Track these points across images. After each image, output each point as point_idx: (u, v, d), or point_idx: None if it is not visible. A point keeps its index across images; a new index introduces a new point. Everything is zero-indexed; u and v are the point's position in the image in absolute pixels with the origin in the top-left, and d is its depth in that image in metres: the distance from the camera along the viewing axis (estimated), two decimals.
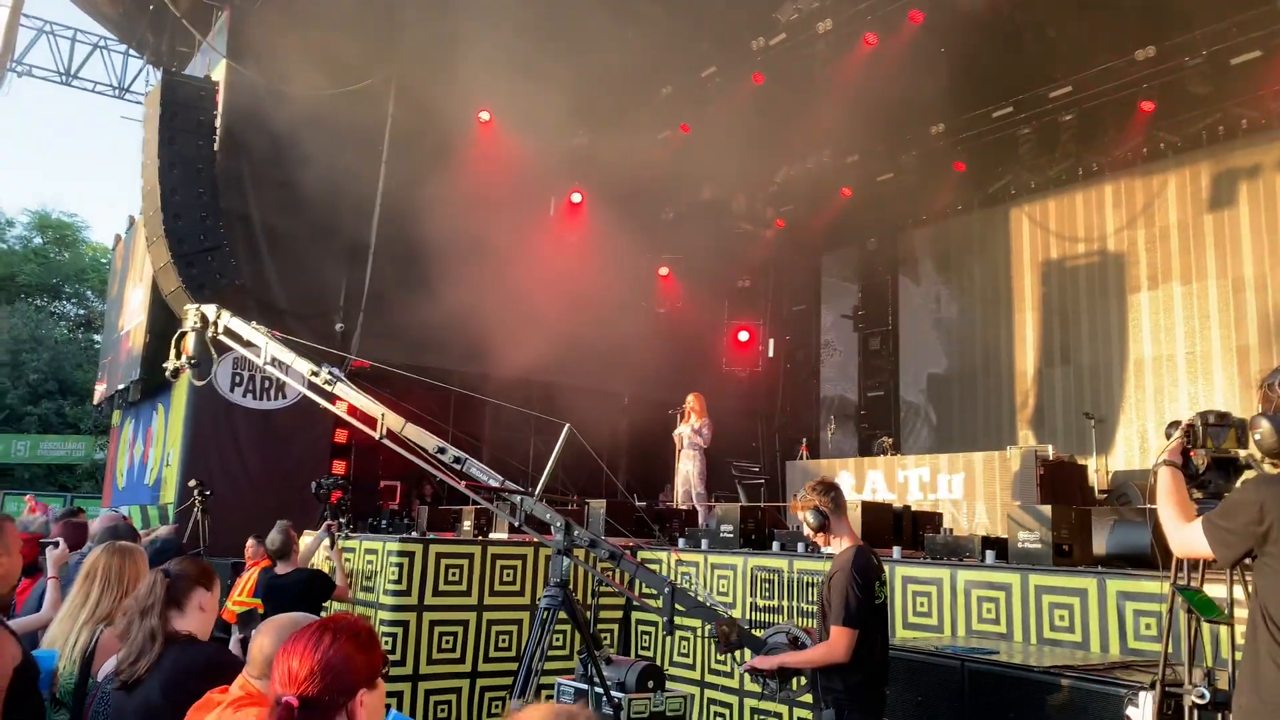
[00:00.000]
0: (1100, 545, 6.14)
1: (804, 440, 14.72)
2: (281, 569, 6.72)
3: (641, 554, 7.62)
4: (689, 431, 10.52)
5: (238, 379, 12.01)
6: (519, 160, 13.63)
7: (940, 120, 13.54)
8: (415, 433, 5.23)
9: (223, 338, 6.20)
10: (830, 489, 4.32)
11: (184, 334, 6.47)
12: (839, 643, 4.05)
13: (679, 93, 14.17)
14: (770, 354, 17.00)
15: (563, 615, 4.76)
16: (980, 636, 5.51)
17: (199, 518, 9.78)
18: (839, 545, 4.29)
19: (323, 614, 6.84)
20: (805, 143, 14.63)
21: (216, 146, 11.85)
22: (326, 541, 7.82)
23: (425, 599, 7.12)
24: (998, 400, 14.59)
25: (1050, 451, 9.93)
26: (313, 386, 5.68)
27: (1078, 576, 5.29)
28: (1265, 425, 2.62)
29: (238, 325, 6.11)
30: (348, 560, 7.94)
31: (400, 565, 7.09)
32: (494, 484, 5.06)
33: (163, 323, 12.84)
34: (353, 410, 5.44)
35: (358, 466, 13.37)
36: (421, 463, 5.18)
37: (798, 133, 13.98)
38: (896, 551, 6.58)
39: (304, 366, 5.71)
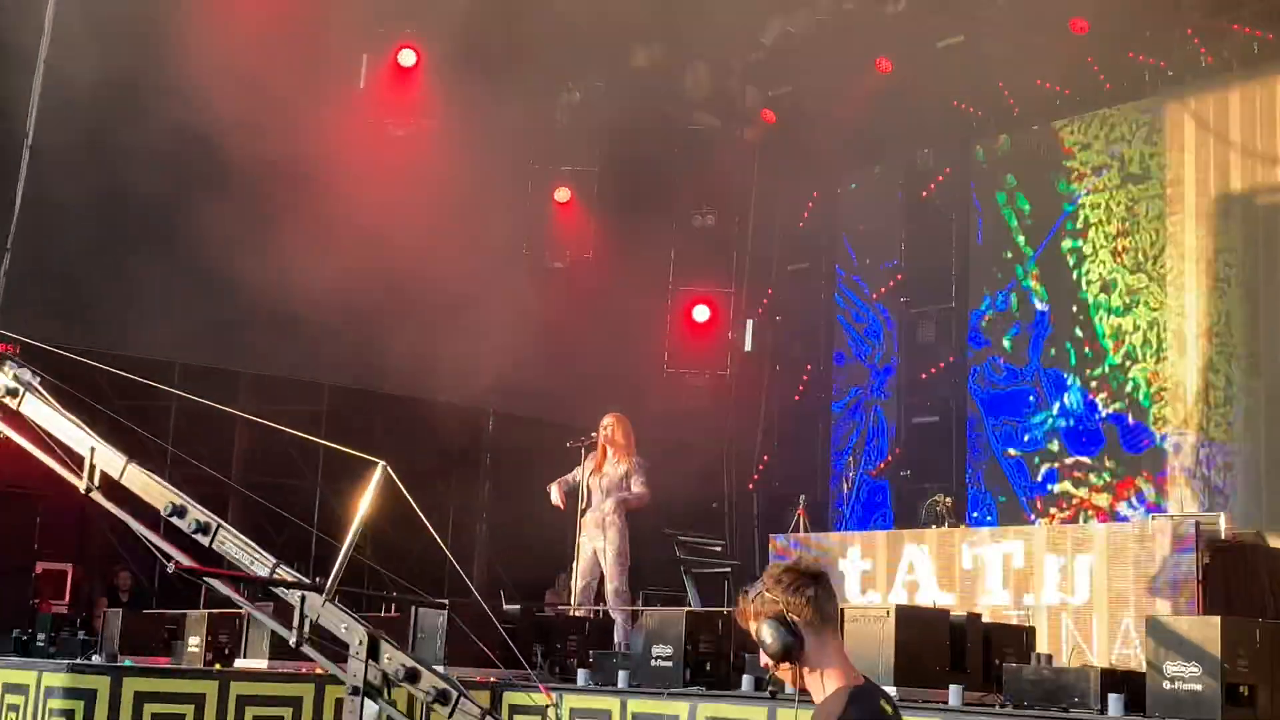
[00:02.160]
0: None
1: (801, 497, 10.85)
2: None
3: (509, 696, 6.58)
4: (605, 482, 8.47)
5: None
6: None
7: None
8: (140, 480, 3.99)
9: None
10: (808, 584, 3.11)
11: None
12: None
13: None
14: (747, 346, 12.67)
15: None
16: None
17: None
18: (819, 685, 3.08)
19: None
20: None
21: None
22: None
23: None
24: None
25: (1221, 525, 8.04)
26: None
27: None
28: None
29: None
30: None
31: (68, 714, 5.67)
32: (261, 572, 3.81)
33: None
34: (35, 439, 4.10)
35: None
36: (143, 530, 3.93)
37: None
38: (954, 694, 5.22)
39: None
